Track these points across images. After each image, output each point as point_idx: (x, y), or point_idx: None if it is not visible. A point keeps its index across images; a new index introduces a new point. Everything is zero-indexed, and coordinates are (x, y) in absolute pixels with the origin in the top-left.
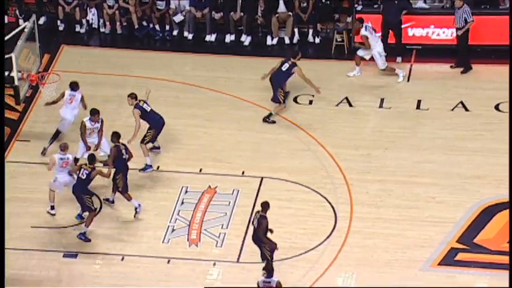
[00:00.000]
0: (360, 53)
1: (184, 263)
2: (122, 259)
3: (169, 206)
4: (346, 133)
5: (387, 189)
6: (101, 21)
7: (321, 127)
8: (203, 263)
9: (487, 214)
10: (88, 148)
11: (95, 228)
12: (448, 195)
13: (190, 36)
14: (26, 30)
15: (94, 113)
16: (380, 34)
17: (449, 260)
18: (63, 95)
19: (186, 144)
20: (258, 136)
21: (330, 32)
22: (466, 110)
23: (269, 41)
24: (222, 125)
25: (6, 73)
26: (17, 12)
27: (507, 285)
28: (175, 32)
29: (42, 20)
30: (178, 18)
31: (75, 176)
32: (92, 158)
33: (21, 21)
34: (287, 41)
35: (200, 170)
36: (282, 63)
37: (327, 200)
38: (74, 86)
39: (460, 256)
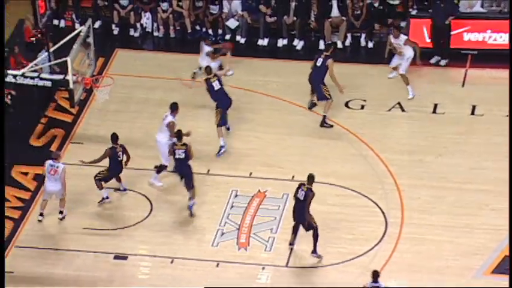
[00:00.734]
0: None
1: (233, 267)
2: (172, 262)
3: (219, 210)
4: (398, 138)
5: (440, 195)
6: (155, 25)
7: (373, 132)
8: (252, 266)
9: None
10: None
11: (143, 231)
12: (502, 202)
13: (242, 41)
14: (81, 34)
15: (174, 108)
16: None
17: (502, 268)
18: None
19: (237, 148)
20: (308, 141)
21: (383, 37)
22: None
23: (322, 46)
24: (273, 129)
25: (62, 76)
26: (74, 16)
27: (507, 285)
28: (227, 36)
29: (97, 24)
30: (232, 23)
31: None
32: (179, 135)
33: (77, 25)
34: (340, 45)
35: (250, 174)
36: (316, 60)
37: (377, 205)
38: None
39: None
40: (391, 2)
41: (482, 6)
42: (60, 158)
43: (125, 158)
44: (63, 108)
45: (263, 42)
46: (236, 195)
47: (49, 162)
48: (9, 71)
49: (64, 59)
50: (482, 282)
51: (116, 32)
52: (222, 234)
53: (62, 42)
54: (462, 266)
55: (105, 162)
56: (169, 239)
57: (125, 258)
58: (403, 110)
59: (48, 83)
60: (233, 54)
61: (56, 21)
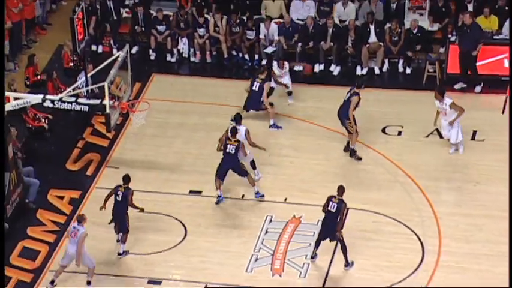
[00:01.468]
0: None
1: None
2: (205, 287)
3: (253, 235)
4: (436, 165)
5: (478, 223)
6: (191, 50)
7: (410, 158)
8: None
9: None
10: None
11: (177, 256)
12: None
13: None
14: (119, 59)
15: (239, 118)
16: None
17: None
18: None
19: (272, 174)
20: (345, 167)
21: (422, 63)
22: None
23: (359, 71)
24: (310, 155)
25: (98, 101)
26: (111, 42)
27: (507, 285)
28: (264, 62)
29: (134, 50)
30: (269, 49)
31: None
32: (234, 131)
33: (114, 50)
34: (377, 71)
35: (285, 200)
36: (347, 93)
37: (414, 232)
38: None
39: None
40: (430, 28)
41: None
42: (84, 221)
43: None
44: (99, 133)
45: (299, 67)
46: (271, 221)
47: (72, 224)
48: (48, 96)
49: (101, 84)
50: None
51: (152, 58)
52: (256, 259)
53: (99, 67)
54: None
55: None
56: (203, 264)
57: (159, 283)
58: (441, 137)
59: (85, 108)
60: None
61: (94, 47)
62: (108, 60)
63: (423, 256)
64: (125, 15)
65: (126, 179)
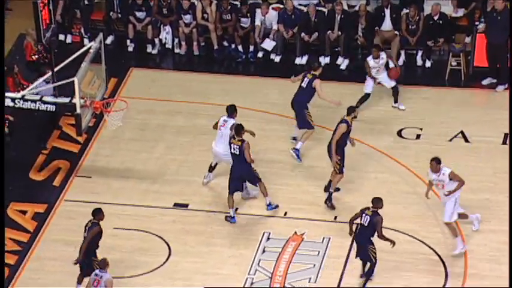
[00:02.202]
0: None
1: None
2: None
3: (248, 255)
4: (461, 173)
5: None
6: (176, 40)
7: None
8: None
9: None
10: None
11: (160, 279)
12: None
13: (277, 59)
14: (91, 51)
15: (232, 110)
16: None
17: None
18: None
19: (271, 184)
20: (354, 175)
21: (444, 54)
22: None
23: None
24: (313, 161)
25: (67, 100)
26: (82, 30)
27: (507, 285)
28: (260, 54)
29: (109, 40)
30: (268, 45)
31: None
32: (237, 130)
33: (86, 40)
34: (391, 64)
35: (285, 214)
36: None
37: (435, 252)
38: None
39: None
40: (454, 15)
41: None
42: (107, 267)
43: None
44: (68, 137)
45: (301, 60)
46: (268, 238)
47: (95, 271)
48: (8, 94)
49: (71, 79)
50: None
51: (130, 49)
52: (252, 283)
53: (68, 60)
54: None
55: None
56: None
57: None
58: (466, 141)
59: (52, 107)
60: (266, 73)
61: (62, 36)
62: (79, 52)
63: (446, 280)
64: None
65: (96, 211)
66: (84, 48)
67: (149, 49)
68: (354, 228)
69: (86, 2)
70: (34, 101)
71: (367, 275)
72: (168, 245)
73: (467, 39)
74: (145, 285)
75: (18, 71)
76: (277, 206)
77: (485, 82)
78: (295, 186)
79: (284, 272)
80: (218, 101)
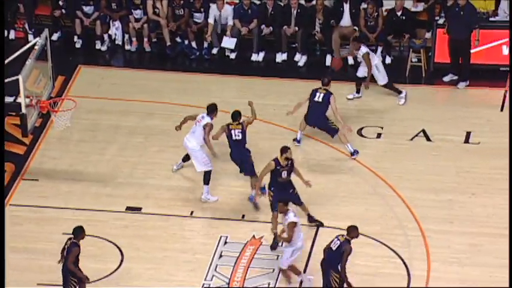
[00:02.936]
0: (360, 73)
1: None
2: None
3: (204, 260)
4: (423, 173)
5: (475, 243)
6: (126, 36)
7: (391, 166)
8: None
9: None
10: None
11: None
12: None
13: (233, 55)
14: (36, 47)
15: (212, 109)
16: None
17: None
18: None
19: (226, 186)
20: (314, 176)
21: (404, 51)
22: None
23: (329, 61)
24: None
25: (12, 99)
26: (26, 26)
27: (507, 285)
28: (215, 50)
29: (56, 36)
30: (229, 43)
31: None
32: (236, 115)
33: (30, 36)
34: (350, 61)
35: (243, 217)
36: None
37: (398, 255)
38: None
39: None
40: (413, 9)
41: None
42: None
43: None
44: (13, 138)
45: (257, 57)
46: (226, 242)
47: None
48: None
49: (15, 77)
50: None
51: (78, 45)
52: None
53: (11, 57)
54: None
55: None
56: None
57: None
58: (428, 139)
59: None
60: (222, 71)
61: (4, 32)
62: (23, 49)
63: (409, 283)
64: None
65: (78, 230)
66: (29, 45)
67: (98, 45)
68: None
69: None
70: None
71: None
72: (120, 251)
73: (428, 35)
74: None
75: None
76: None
77: (446, 79)
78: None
79: (242, 277)
80: (172, 99)
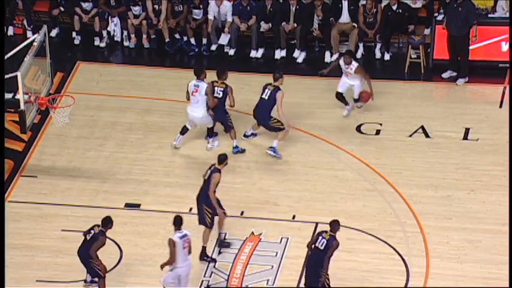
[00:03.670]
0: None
1: None
2: None
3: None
4: (422, 170)
5: (474, 239)
6: (125, 33)
7: (390, 162)
8: None
9: None
10: None
11: (111, 283)
12: None
13: (232, 52)
14: (35, 43)
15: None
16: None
17: None
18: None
19: (225, 182)
20: (312, 172)
21: (403, 47)
22: None
23: (328, 58)
24: (269, 158)
25: (11, 95)
26: (25, 22)
27: (507, 285)
28: (213, 47)
29: (54, 32)
30: (223, 39)
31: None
32: (220, 73)
33: (29, 33)
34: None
35: (242, 213)
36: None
37: (396, 251)
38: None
39: None
40: (413, 5)
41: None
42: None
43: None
44: (12, 134)
45: (256, 53)
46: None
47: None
48: None
49: (13, 74)
50: None
51: (77, 42)
52: (208, 287)
53: (10, 53)
54: None
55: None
56: None
57: None
58: (427, 136)
59: None
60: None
61: (4, 29)
62: (22, 45)
63: (407, 280)
64: None
65: (107, 220)
66: (28, 41)
67: (97, 42)
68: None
69: None
70: None
71: None
72: (119, 248)
73: (427, 31)
74: None
75: None
76: (243, 150)
77: (445, 75)
78: (250, 185)
79: (241, 274)
80: (170, 96)
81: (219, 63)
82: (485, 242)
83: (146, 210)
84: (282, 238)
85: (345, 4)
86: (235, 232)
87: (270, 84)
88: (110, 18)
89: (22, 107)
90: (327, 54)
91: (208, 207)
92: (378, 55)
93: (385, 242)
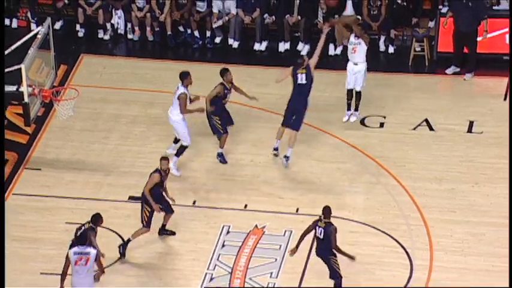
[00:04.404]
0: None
1: None
2: None
3: (207, 250)
4: (426, 163)
5: (477, 232)
6: (129, 25)
7: (394, 155)
8: None
9: None
10: None
11: (114, 276)
12: None
13: (236, 45)
14: (38, 36)
15: (185, 76)
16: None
17: None
18: None
19: (229, 175)
20: (315, 165)
21: (407, 40)
22: None
23: (332, 51)
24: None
25: (14, 88)
26: (29, 15)
27: (507, 285)
28: (217, 39)
29: (58, 25)
30: (217, 23)
31: None
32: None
33: (33, 25)
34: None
35: (245, 206)
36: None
37: (400, 244)
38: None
39: None
40: None
41: None
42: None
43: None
44: (16, 127)
45: (260, 46)
46: (228, 232)
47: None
48: None
49: (17, 66)
50: None
51: (81, 34)
52: (211, 279)
53: (14, 46)
54: None
55: None
56: (149, 283)
57: None
58: (431, 129)
59: None
60: (224, 60)
61: (7, 21)
62: (26, 38)
63: (411, 273)
64: None
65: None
66: (32, 34)
67: (100, 34)
68: (299, 245)
69: None
70: None
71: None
72: (123, 240)
73: (431, 24)
74: (99, 283)
75: None
76: (226, 162)
77: (449, 71)
78: (254, 177)
79: (245, 266)
80: (173, 89)
81: (223, 56)
82: (489, 235)
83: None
84: (285, 231)
85: None
86: (239, 225)
87: (298, 68)
88: (113, 10)
89: (26, 99)
90: (331, 46)
91: (147, 205)
92: (382, 48)
93: (389, 235)
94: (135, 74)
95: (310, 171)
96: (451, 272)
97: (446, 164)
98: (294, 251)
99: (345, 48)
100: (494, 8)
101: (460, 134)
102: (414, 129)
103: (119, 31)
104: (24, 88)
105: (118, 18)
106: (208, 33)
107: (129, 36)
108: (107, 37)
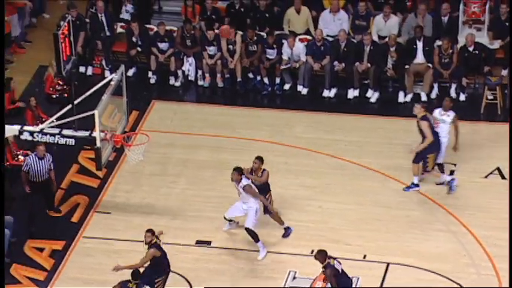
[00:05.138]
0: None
1: None
2: None
3: None
4: (498, 212)
5: None
6: (199, 72)
7: (465, 203)
8: None
9: None
10: None
11: None
12: None
13: (304, 91)
14: (112, 83)
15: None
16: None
17: None
18: None
19: (296, 221)
20: (384, 212)
21: (479, 87)
22: None
23: (401, 98)
24: (341, 197)
25: (87, 133)
26: (103, 62)
27: (507, 285)
28: (287, 86)
29: (131, 72)
30: (285, 66)
31: None
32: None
33: (107, 72)
34: (424, 97)
35: (312, 252)
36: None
37: None
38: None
39: None
40: (490, 46)
41: None
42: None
43: None
44: (87, 171)
45: (329, 93)
46: (294, 278)
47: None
48: (26, 127)
49: (91, 112)
50: None
51: (153, 81)
52: None
53: (88, 92)
54: None
55: None
56: None
57: None
58: (503, 177)
59: (71, 141)
60: (293, 107)
61: (82, 69)
62: (100, 84)
63: None
64: (119, 30)
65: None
66: (105, 81)
67: (172, 81)
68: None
69: (108, 34)
70: (53, 135)
71: None
72: (189, 284)
73: (504, 72)
74: None
75: (37, 103)
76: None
77: None
78: (322, 224)
79: None
80: (242, 134)
81: (292, 103)
82: None
83: (217, 248)
84: (352, 277)
85: (420, 45)
86: (306, 270)
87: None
88: (185, 58)
89: (98, 144)
90: (401, 94)
91: None
92: (454, 95)
93: (458, 284)
94: (204, 119)
95: (377, 218)
96: None
97: None
98: None
99: (415, 95)
100: None
101: None
102: (486, 177)
103: (189, 78)
104: (96, 133)
105: (189, 65)
106: (277, 80)
107: (200, 82)
108: (178, 84)
